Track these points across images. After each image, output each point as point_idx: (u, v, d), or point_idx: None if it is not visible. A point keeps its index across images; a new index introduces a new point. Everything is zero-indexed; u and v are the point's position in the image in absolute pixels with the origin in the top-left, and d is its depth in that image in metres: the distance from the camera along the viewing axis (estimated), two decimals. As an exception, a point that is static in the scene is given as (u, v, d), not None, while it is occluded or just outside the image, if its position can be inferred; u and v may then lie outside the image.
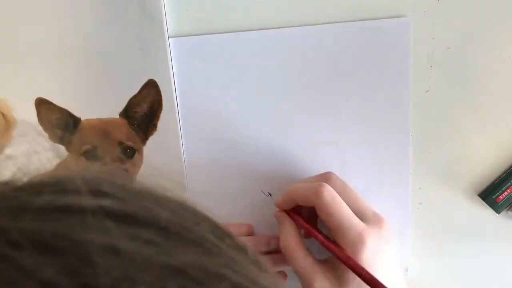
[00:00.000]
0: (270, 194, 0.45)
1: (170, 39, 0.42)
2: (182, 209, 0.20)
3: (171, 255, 0.17)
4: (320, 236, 0.39)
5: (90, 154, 0.44)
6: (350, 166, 0.44)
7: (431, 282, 0.47)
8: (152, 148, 0.44)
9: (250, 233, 0.46)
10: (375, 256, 0.37)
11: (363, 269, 0.36)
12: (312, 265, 0.39)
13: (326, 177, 0.41)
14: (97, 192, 0.18)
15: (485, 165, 0.44)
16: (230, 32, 0.42)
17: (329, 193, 0.38)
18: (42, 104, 0.43)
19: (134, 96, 0.43)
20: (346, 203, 0.38)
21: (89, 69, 0.43)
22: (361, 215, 0.39)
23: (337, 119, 0.44)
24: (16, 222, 0.16)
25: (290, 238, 0.40)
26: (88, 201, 0.17)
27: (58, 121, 0.43)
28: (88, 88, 0.43)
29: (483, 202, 0.44)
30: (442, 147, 0.44)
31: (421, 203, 0.45)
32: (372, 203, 0.41)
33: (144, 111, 0.44)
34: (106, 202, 0.17)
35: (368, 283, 0.35)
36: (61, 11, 0.42)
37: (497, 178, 0.44)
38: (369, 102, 0.43)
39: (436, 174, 0.45)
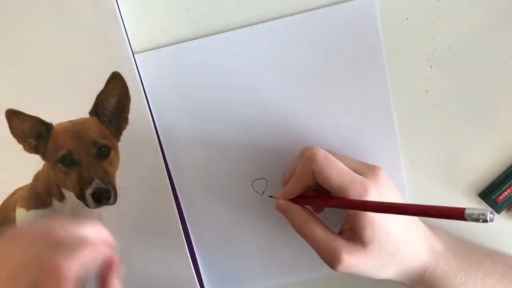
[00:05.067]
0: (271, 196, 0.45)
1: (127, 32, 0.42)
2: None
3: None
4: (323, 199, 0.39)
5: (66, 159, 0.43)
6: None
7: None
8: (127, 143, 0.44)
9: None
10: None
11: (368, 201, 0.36)
12: (334, 237, 0.38)
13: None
14: None
15: (485, 165, 0.44)
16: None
17: (321, 153, 0.38)
18: (13, 115, 0.43)
19: (101, 92, 0.43)
20: None
21: (53, 72, 0.43)
22: (354, 171, 0.38)
23: (323, 116, 0.44)
24: None
25: (304, 218, 0.39)
26: None
27: (30, 130, 0.43)
28: (55, 92, 0.43)
29: (483, 202, 0.44)
30: (442, 147, 0.44)
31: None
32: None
33: (113, 105, 0.43)
34: None
35: (380, 211, 0.35)
36: (17, 19, 0.42)
37: (497, 178, 0.44)
38: (351, 94, 0.43)
39: (436, 174, 0.45)
